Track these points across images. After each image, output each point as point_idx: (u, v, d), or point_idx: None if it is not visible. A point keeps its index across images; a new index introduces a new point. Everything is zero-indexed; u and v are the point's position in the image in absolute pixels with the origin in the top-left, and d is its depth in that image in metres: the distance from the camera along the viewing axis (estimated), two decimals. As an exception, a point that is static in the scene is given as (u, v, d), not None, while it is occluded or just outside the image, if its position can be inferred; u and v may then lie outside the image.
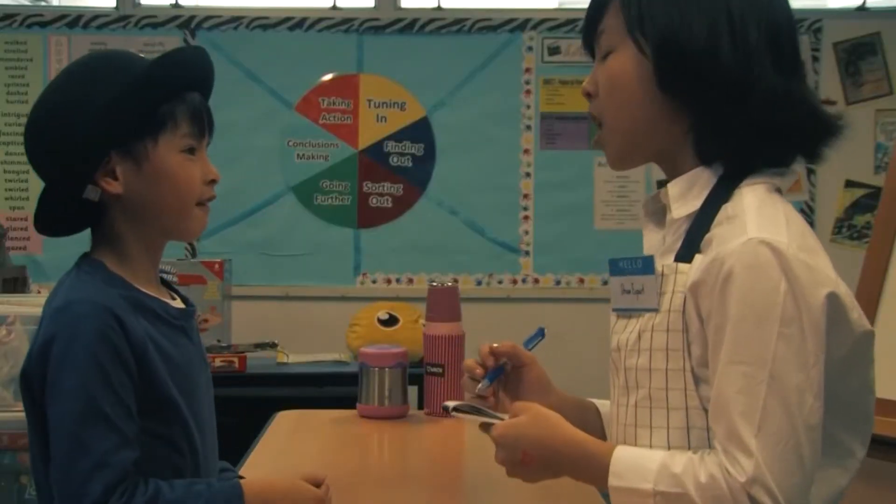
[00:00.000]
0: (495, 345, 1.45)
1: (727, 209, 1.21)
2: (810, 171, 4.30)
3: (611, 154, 1.33)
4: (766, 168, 1.25)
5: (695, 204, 1.24)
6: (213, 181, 1.39)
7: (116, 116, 1.29)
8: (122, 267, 1.34)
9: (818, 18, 4.38)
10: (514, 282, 4.43)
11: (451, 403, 1.36)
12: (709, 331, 1.16)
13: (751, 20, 1.23)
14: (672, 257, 1.23)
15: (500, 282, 4.43)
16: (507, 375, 1.45)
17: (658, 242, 1.30)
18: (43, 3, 4.52)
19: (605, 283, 4.29)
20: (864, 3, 4.41)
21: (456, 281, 2.53)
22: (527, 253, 4.43)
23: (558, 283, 4.42)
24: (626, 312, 1.27)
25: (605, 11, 1.30)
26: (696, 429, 1.18)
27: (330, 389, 3.28)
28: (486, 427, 1.31)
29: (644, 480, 1.14)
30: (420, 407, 2.54)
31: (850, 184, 4.36)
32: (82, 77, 1.34)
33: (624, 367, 1.26)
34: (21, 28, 4.36)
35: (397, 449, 2.27)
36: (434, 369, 2.37)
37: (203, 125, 1.37)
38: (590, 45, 1.34)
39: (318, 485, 1.42)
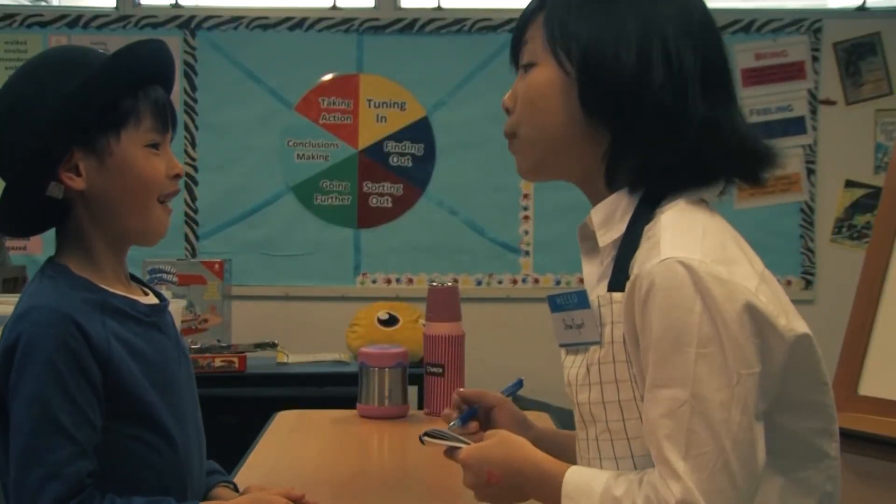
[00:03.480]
0: (461, 389, 1.52)
1: (648, 232, 1.19)
2: (810, 171, 4.28)
3: (522, 166, 1.32)
4: (687, 188, 1.23)
5: (619, 228, 1.23)
6: (178, 175, 1.38)
7: (75, 111, 1.29)
8: (87, 267, 1.34)
9: (818, 18, 4.38)
10: (514, 282, 4.43)
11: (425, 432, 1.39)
12: (641, 354, 1.15)
13: (686, 46, 1.20)
14: (606, 285, 1.22)
15: (500, 282, 4.43)
16: (480, 417, 1.49)
17: (597, 266, 1.28)
18: (43, 3, 4.52)
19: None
20: (864, 3, 4.40)
21: (456, 281, 2.53)
22: (527, 253, 4.42)
23: (558, 283, 4.42)
24: (573, 347, 1.27)
25: (530, 22, 1.28)
26: None
27: (330, 389, 3.28)
28: (451, 452, 1.33)
29: (590, 502, 1.15)
30: (420, 407, 2.54)
31: (850, 184, 4.34)
32: (40, 73, 1.33)
33: (577, 403, 1.26)
34: (21, 28, 4.36)
35: (397, 449, 2.27)
36: (434, 369, 2.37)
37: (166, 120, 1.37)
38: (516, 56, 1.32)
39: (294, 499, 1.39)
